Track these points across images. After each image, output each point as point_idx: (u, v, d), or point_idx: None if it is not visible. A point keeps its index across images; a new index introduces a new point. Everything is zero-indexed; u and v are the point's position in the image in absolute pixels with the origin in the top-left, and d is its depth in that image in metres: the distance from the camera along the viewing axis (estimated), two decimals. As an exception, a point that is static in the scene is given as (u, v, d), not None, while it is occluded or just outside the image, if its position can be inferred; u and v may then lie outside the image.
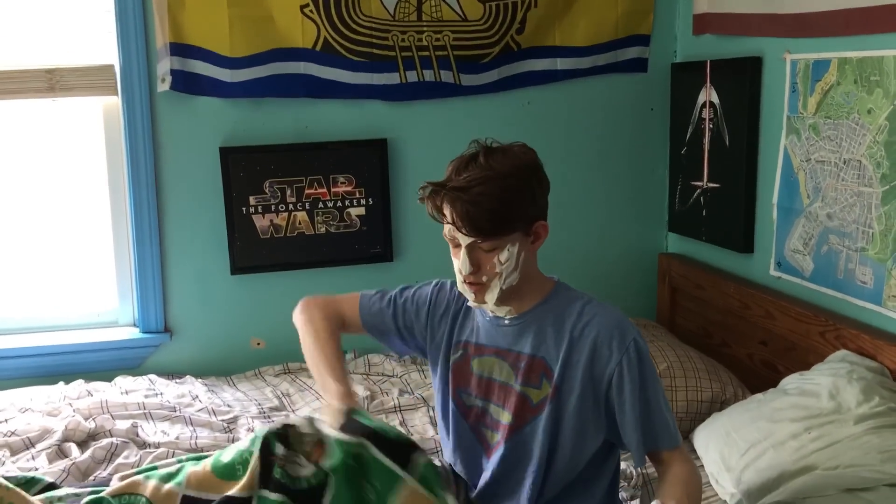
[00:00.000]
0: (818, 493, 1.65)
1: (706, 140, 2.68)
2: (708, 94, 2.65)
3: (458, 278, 1.56)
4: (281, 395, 2.52)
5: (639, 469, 1.90)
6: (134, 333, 2.70)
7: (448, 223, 1.52)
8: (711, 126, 2.65)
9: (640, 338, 1.54)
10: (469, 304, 1.60)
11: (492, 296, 1.53)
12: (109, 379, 2.54)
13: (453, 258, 1.56)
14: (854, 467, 1.67)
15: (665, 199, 2.99)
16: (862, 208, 2.09)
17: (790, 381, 2.05)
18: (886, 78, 2.00)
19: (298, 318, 1.78)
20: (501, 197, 1.46)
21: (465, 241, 1.50)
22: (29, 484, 1.62)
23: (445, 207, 1.51)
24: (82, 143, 2.67)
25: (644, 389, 1.51)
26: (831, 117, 2.18)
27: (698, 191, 2.74)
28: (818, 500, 1.64)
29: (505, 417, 1.59)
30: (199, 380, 2.60)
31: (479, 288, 1.54)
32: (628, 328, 1.54)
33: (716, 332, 2.65)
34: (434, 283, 1.75)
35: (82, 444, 2.10)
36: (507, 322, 1.60)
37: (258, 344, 2.80)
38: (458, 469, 1.73)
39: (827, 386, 1.92)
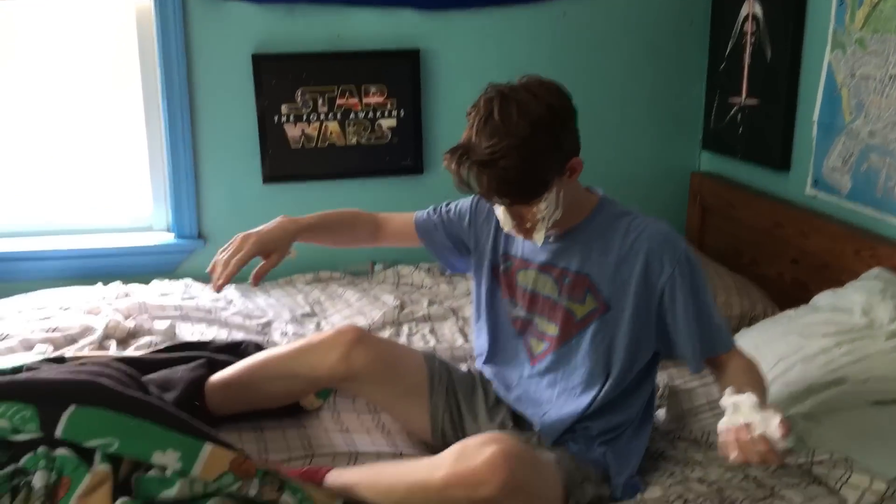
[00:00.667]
0: (846, 405, 1.67)
1: (747, 55, 2.61)
2: (751, 7, 2.58)
3: (503, 221, 1.58)
4: (312, 303, 2.56)
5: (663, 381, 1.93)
6: (168, 239, 2.74)
7: (478, 194, 1.50)
8: (753, 40, 2.58)
9: (690, 248, 1.55)
10: None
11: (539, 235, 1.55)
12: (146, 282, 2.59)
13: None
14: (885, 380, 1.68)
15: (700, 116, 2.94)
16: (906, 125, 2.05)
17: (822, 298, 2.05)
18: (941, -11, 1.93)
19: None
20: (527, 166, 1.43)
21: (500, 204, 1.52)
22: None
23: (471, 180, 1.47)
24: (116, 48, 2.66)
25: (696, 298, 1.52)
26: (879, 31, 2.11)
27: (736, 107, 2.69)
28: (846, 412, 1.66)
29: (551, 329, 1.63)
30: (233, 285, 2.64)
31: (525, 232, 1.56)
32: (678, 240, 1.55)
33: (746, 250, 2.64)
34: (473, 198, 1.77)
35: (122, 342, 2.15)
36: (551, 240, 1.61)
37: (289, 253, 2.82)
38: (490, 375, 1.76)
39: (860, 302, 1.92)
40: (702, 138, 2.95)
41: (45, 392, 1.49)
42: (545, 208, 1.50)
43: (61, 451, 1.42)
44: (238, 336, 2.25)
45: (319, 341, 1.72)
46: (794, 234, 2.38)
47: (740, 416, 1.30)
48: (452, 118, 2.83)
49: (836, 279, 2.17)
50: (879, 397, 1.64)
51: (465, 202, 1.79)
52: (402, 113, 2.76)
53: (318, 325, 2.39)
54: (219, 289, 1.67)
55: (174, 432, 1.44)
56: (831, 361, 1.78)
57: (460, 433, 1.70)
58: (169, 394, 1.70)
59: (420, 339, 2.29)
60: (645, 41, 2.88)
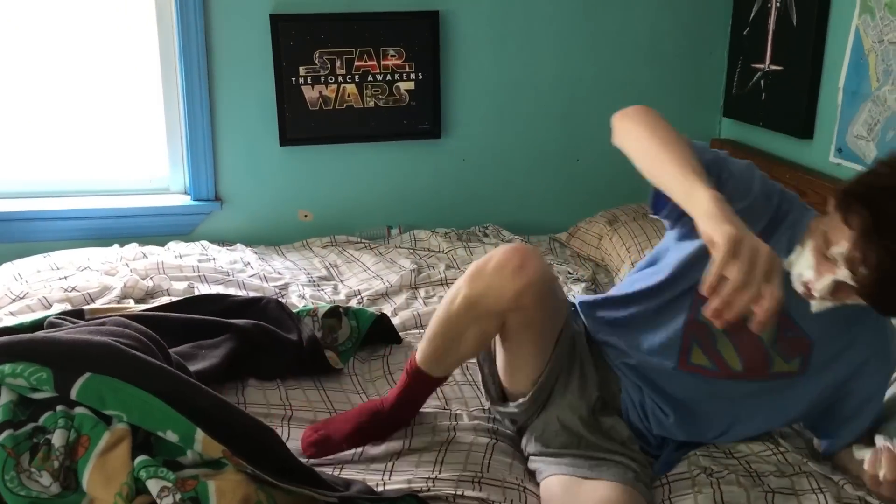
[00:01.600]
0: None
1: (771, 20, 2.57)
2: (777, -29, 2.53)
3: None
4: (329, 266, 2.56)
5: None
6: (185, 201, 2.74)
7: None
8: (779, 4, 2.53)
9: None
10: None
11: (819, 305, 1.36)
12: (162, 244, 2.59)
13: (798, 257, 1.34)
14: None
15: (722, 82, 2.90)
16: (935, 92, 2.01)
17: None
18: (977, -49, 1.88)
19: (632, 124, 1.50)
20: None
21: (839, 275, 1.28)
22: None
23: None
24: (133, 9, 2.64)
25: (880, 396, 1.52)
26: (911, -5, 2.07)
27: (759, 73, 2.65)
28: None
29: (732, 360, 1.49)
30: (250, 248, 2.64)
31: (808, 290, 1.35)
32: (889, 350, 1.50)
33: (766, 219, 2.62)
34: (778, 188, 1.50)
35: (140, 302, 2.16)
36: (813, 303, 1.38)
37: (305, 216, 2.83)
38: (608, 338, 1.62)
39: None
40: (723, 105, 2.91)
41: (60, 355, 1.48)
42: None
43: (80, 410, 1.43)
44: (255, 298, 2.26)
45: (496, 269, 1.45)
46: (815, 203, 2.34)
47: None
48: (471, 81, 2.81)
49: (858, 248, 2.14)
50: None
51: (748, 177, 1.46)
52: (420, 76, 2.74)
53: (334, 289, 2.39)
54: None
55: (176, 413, 1.43)
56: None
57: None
58: (196, 364, 1.71)
59: (437, 304, 2.29)
60: (668, 5, 2.84)
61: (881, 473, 1.32)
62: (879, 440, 1.39)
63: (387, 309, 2.22)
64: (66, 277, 2.26)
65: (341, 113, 2.72)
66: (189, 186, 2.74)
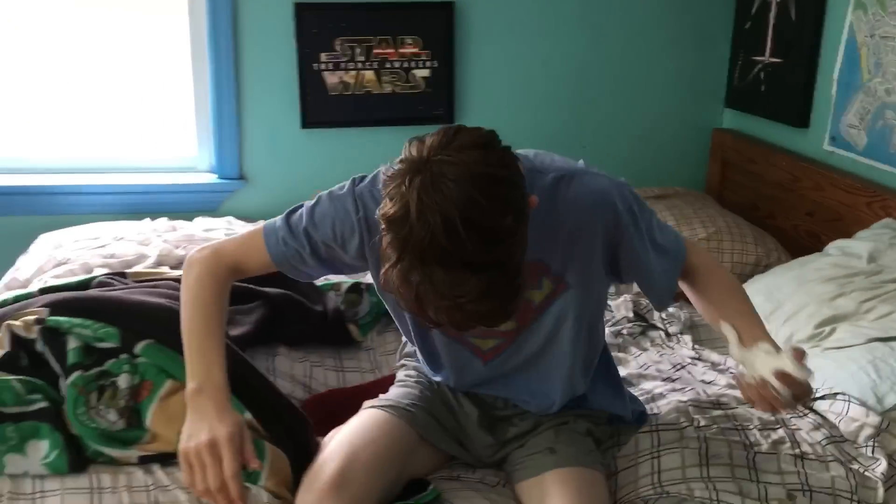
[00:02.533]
0: (847, 343, 1.80)
1: (772, 14, 2.70)
2: (778, -32, 2.67)
3: None
4: (348, 242, 2.70)
5: None
6: (212, 179, 2.88)
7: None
8: (778, 1, 2.67)
9: (619, 189, 1.42)
10: None
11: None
12: (189, 219, 2.73)
13: None
14: (884, 318, 1.81)
15: (724, 74, 3.03)
16: (921, 84, 2.15)
17: (832, 245, 2.18)
18: (962, -48, 2.02)
19: (185, 284, 1.50)
20: (517, 279, 1.16)
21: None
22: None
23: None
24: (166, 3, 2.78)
25: (645, 237, 1.44)
26: (901, -8, 2.21)
27: (759, 66, 2.79)
28: (847, 349, 1.79)
29: (505, 325, 1.39)
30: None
31: None
32: (614, 191, 1.41)
33: (763, 204, 2.76)
34: (350, 207, 1.43)
35: (174, 269, 2.31)
36: None
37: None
38: (437, 371, 1.63)
39: (868, 249, 2.04)
40: (725, 96, 3.04)
41: (126, 316, 1.63)
42: None
43: (142, 359, 1.58)
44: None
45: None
46: (809, 188, 2.50)
47: (759, 370, 1.35)
48: (485, 69, 2.95)
49: (848, 231, 2.28)
50: (879, 334, 1.77)
51: (339, 229, 1.44)
52: (435, 64, 2.87)
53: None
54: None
55: (241, 405, 1.56)
56: (835, 301, 1.91)
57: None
58: (232, 329, 1.86)
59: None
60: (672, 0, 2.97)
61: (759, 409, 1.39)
62: (734, 345, 1.41)
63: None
64: (103, 246, 2.40)
65: (360, 98, 2.86)
66: (215, 165, 2.88)
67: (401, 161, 1.18)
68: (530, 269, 1.32)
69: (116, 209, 2.79)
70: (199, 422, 1.35)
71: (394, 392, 1.63)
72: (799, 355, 1.33)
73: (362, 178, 1.49)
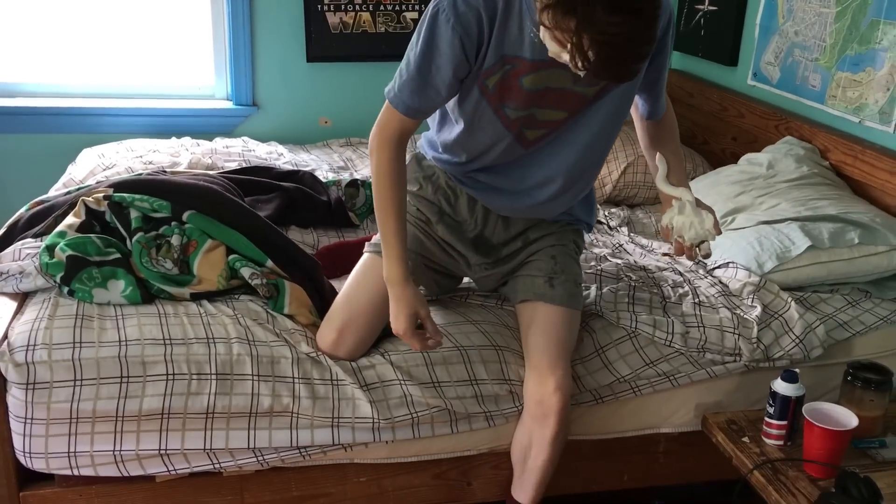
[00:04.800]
0: (741, 226, 2.29)
1: (710, -32, 3.16)
2: (716, -72, 3.11)
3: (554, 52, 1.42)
4: (346, 160, 3.16)
5: None
6: (228, 105, 3.33)
7: (568, 54, 1.35)
8: (716, -44, 3.12)
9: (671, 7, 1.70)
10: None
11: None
12: (210, 139, 3.19)
13: (548, 40, 1.39)
14: (772, 208, 2.30)
15: (673, 20, 3.48)
16: (820, 26, 2.61)
17: (742, 158, 2.67)
18: (852, -83, 2.47)
19: (372, 162, 1.75)
20: (655, 32, 1.35)
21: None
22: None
23: (582, 40, 1.31)
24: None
25: (670, 49, 1.75)
26: (808, -50, 2.66)
27: (700, 13, 3.24)
28: (741, 230, 2.28)
29: (557, 115, 1.67)
30: (281, 145, 3.25)
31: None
32: (668, 3, 1.69)
33: (699, 132, 3.24)
34: (442, 19, 1.54)
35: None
36: None
37: (325, 122, 3.43)
38: (457, 170, 1.86)
39: (768, 159, 2.53)
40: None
41: (175, 192, 2.10)
42: None
43: (189, 225, 2.05)
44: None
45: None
46: (734, 117, 2.98)
47: (684, 216, 1.71)
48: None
49: (760, 149, 2.76)
50: (767, 218, 2.26)
51: (444, 54, 1.57)
52: (423, 6, 3.31)
53: (350, 175, 2.99)
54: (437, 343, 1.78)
55: (253, 245, 2.04)
56: (737, 197, 2.40)
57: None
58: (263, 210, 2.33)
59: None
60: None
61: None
62: (664, 184, 1.78)
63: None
64: (141, 156, 2.85)
65: (357, 36, 3.31)
66: (231, 93, 3.33)
67: None
68: None
69: (145, 130, 3.23)
70: (391, 307, 1.75)
71: None
72: (718, 230, 1.72)
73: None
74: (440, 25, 1.55)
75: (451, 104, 1.71)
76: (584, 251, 2.14)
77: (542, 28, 1.39)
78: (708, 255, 1.75)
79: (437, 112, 1.79)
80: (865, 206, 2.26)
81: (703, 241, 1.72)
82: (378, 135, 1.72)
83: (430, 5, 1.57)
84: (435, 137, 1.86)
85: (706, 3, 3.20)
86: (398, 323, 1.73)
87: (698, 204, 1.76)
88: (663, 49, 1.72)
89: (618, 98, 1.69)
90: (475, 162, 1.81)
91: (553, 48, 1.39)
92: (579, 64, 1.34)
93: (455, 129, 1.75)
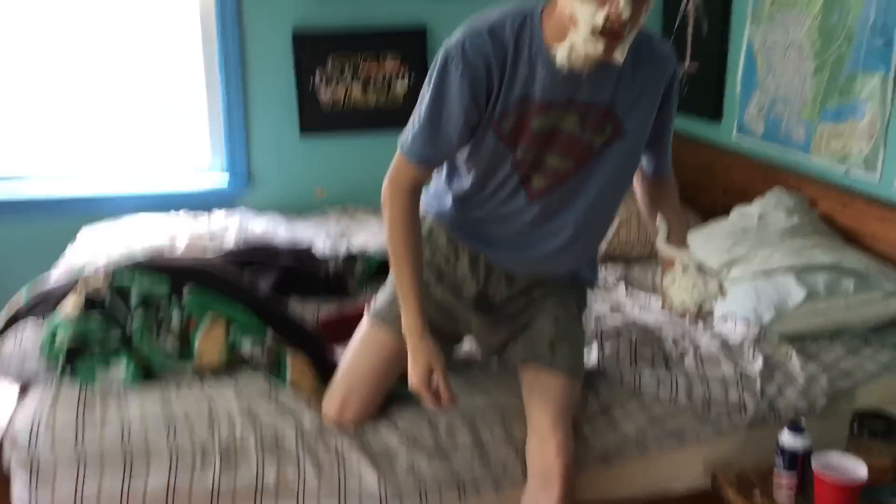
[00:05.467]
0: (738, 277, 2.31)
1: (689, 30, 3.25)
2: (693, -10, 3.22)
3: (586, 27, 1.42)
4: (343, 228, 3.19)
5: None
6: (224, 180, 3.38)
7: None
8: (694, 17, 3.21)
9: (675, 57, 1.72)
10: (564, 58, 1.47)
11: (623, 51, 1.46)
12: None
13: (580, 1, 1.41)
14: (768, 259, 2.32)
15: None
16: (800, 80, 2.68)
17: (734, 211, 2.70)
18: (823, -25, 2.56)
19: (385, 213, 1.71)
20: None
21: None
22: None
23: None
24: (183, 30, 3.29)
25: (676, 103, 1.77)
26: (783, 8, 2.75)
27: (682, 71, 3.32)
28: (738, 283, 2.30)
29: (565, 165, 1.65)
30: (278, 216, 3.28)
31: (616, 41, 1.44)
32: (672, 55, 1.69)
33: (688, 187, 3.27)
34: (452, 66, 1.54)
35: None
36: (584, 75, 1.53)
37: (321, 192, 3.47)
38: (460, 228, 1.82)
39: (758, 210, 2.57)
40: (658, 99, 3.58)
41: (176, 270, 2.13)
42: (649, 9, 1.46)
43: (189, 301, 2.06)
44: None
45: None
46: (722, 170, 3.03)
47: (687, 278, 1.72)
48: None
49: (751, 201, 2.80)
50: (761, 268, 2.28)
51: (453, 93, 1.56)
52: (412, 78, 3.39)
53: (348, 242, 3.01)
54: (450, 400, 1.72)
55: (255, 317, 2.05)
56: (731, 249, 2.42)
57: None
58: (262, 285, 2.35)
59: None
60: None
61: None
62: (666, 246, 1.78)
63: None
64: (139, 236, 2.88)
65: (349, 108, 3.38)
66: (227, 167, 3.38)
67: None
68: (601, 113, 1.58)
69: (145, 208, 3.27)
70: (409, 359, 1.70)
71: (386, 300, 1.87)
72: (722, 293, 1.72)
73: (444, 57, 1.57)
74: (450, 73, 1.55)
75: (462, 154, 1.69)
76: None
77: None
78: (710, 313, 1.75)
79: (446, 164, 1.77)
80: (858, 254, 2.29)
81: (705, 302, 1.73)
82: (390, 185, 1.69)
83: (440, 53, 1.58)
84: (441, 190, 1.82)
85: (687, 60, 3.28)
86: (413, 376, 1.69)
87: (699, 266, 1.76)
88: (669, 100, 1.72)
89: (625, 150, 1.68)
90: (483, 210, 1.76)
91: (590, 8, 1.40)
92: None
93: (465, 179, 1.73)
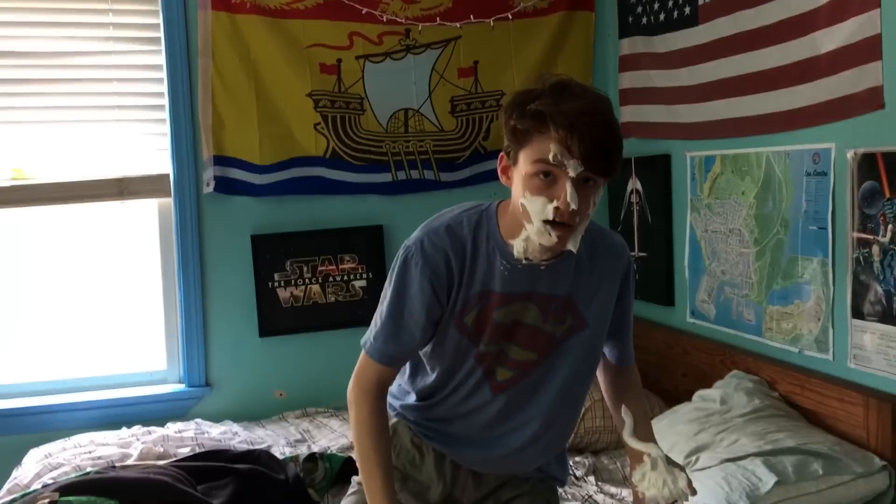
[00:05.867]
0: (706, 465, 2.27)
1: (635, 219, 3.40)
2: (634, 184, 3.39)
3: (537, 220, 1.48)
4: (303, 432, 3.11)
5: None
6: (181, 388, 3.31)
7: (557, 151, 1.42)
8: (638, 208, 3.37)
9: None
10: (520, 252, 1.54)
11: (575, 241, 1.50)
12: (161, 425, 3.12)
13: (530, 197, 1.47)
14: (733, 445, 2.30)
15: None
16: (744, 265, 2.78)
17: (696, 395, 2.71)
18: (752, 168, 2.73)
19: (352, 415, 1.69)
20: (618, 130, 1.48)
21: (575, 171, 1.43)
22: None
23: (558, 132, 1.41)
24: (141, 235, 3.35)
25: (632, 294, 1.78)
26: (719, 198, 2.90)
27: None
28: (706, 470, 2.26)
29: (528, 356, 1.65)
30: (236, 423, 3.19)
31: (567, 231, 1.49)
32: (626, 248, 1.75)
33: (649, 371, 3.29)
34: (412, 263, 1.58)
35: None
36: (543, 267, 1.58)
37: (280, 394, 3.41)
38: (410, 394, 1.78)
39: (720, 395, 2.58)
40: (612, 285, 3.67)
41: (125, 489, 2.04)
42: (597, 202, 1.51)
43: None
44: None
45: None
46: (680, 354, 3.06)
47: (656, 473, 1.66)
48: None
49: (710, 384, 2.82)
50: (730, 455, 2.25)
51: (415, 297, 1.59)
52: (370, 275, 3.45)
53: (308, 448, 2.93)
54: None
55: None
56: (696, 436, 2.40)
57: None
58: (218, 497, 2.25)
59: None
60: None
61: None
62: (633, 441, 1.72)
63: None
64: (90, 451, 2.77)
65: (308, 308, 3.39)
66: (183, 375, 3.32)
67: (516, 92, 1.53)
68: (562, 304, 1.62)
69: (96, 422, 3.16)
70: None
71: (359, 499, 1.78)
72: (691, 489, 1.65)
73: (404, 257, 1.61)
74: (410, 269, 1.58)
75: (426, 351, 1.68)
76: None
77: (523, 153, 1.49)
78: None
79: (409, 363, 1.75)
80: (822, 436, 2.28)
81: (675, 501, 1.69)
82: (356, 387, 1.67)
83: (400, 251, 1.62)
84: (406, 386, 1.80)
85: (636, 250, 3.40)
86: None
87: (668, 461, 1.73)
88: (627, 289, 1.74)
89: (586, 340, 1.68)
90: (446, 406, 1.73)
91: (541, 153, 1.46)
92: (572, 151, 1.42)
93: (429, 377, 1.72)
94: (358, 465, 1.67)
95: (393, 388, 1.84)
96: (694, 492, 1.68)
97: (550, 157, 1.43)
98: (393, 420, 1.82)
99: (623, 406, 1.79)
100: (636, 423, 1.78)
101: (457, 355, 1.66)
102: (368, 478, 1.64)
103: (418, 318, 1.60)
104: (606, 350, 1.85)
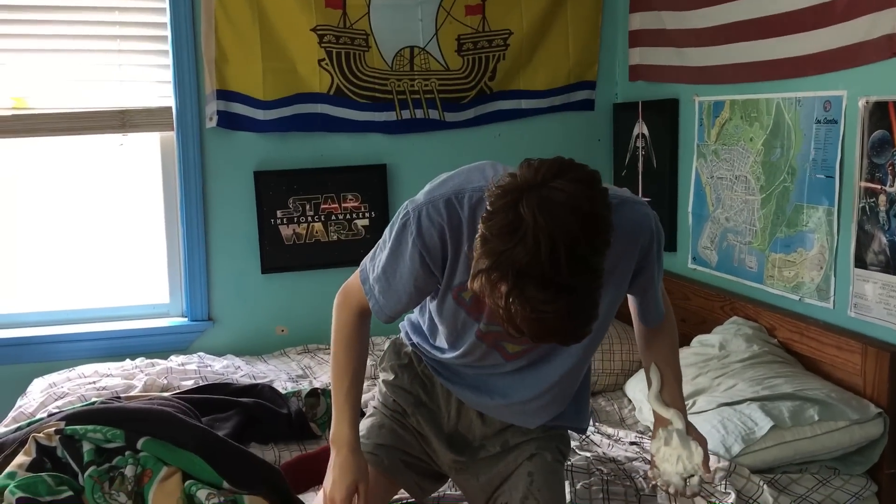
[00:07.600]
0: (703, 409, 2.31)
1: (640, 164, 3.38)
2: (640, 128, 3.36)
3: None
4: (304, 368, 3.15)
5: None
6: (184, 321, 3.33)
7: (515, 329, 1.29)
8: (643, 153, 3.35)
9: (655, 219, 1.62)
10: None
11: None
12: (165, 357, 3.16)
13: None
14: (730, 389, 2.33)
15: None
16: (748, 212, 2.78)
17: (694, 340, 2.73)
18: (762, 115, 2.71)
19: (334, 320, 1.73)
20: (596, 308, 1.29)
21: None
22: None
23: (509, 326, 1.29)
24: (143, 168, 3.33)
25: (659, 261, 1.67)
26: (727, 144, 2.88)
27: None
28: (703, 414, 2.29)
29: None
30: (238, 357, 3.23)
31: None
32: (647, 220, 1.59)
33: (650, 315, 3.32)
34: (408, 233, 1.52)
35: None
36: None
37: (282, 331, 3.44)
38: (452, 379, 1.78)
39: (719, 340, 2.60)
40: (614, 230, 3.67)
41: (129, 419, 2.07)
42: None
43: (143, 453, 1.99)
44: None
45: None
46: (680, 299, 3.07)
47: (671, 448, 1.65)
48: (413, 218, 3.52)
49: (709, 329, 2.84)
50: (727, 399, 2.29)
51: (405, 265, 1.55)
52: (373, 214, 3.45)
53: (310, 384, 2.97)
54: None
55: (210, 467, 1.99)
56: (696, 380, 2.43)
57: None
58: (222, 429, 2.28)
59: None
60: (563, 153, 3.62)
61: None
62: (656, 402, 1.72)
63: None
64: (94, 382, 2.80)
65: (310, 246, 3.40)
66: (186, 309, 3.34)
67: (511, 176, 1.29)
68: None
69: (100, 353, 3.19)
70: (330, 473, 1.67)
71: (364, 427, 1.81)
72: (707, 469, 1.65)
73: (414, 211, 1.53)
74: (405, 239, 1.53)
75: (432, 309, 1.66)
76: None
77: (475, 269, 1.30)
78: (696, 494, 1.70)
79: (426, 314, 1.73)
80: (819, 382, 2.31)
81: (690, 476, 1.67)
82: (344, 298, 1.71)
83: (401, 209, 1.56)
84: (421, 326, 1.78)
85: (640, 195, 3.39)
86: (337, 490, 1.63)
87: (689, 431, 1.70)
88: (648, 265, 1.63)
89: (603, 311, 1.51)
90: (459, 363, 1.72)
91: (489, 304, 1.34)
92: (512, 331, 1.29)
93: (439, 335, 1.71)
94: (331, 368, 1.70)
95: (412, 318, 1.84)
96: (708, 470, 1.67)
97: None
98: (407, 348, 1.84)
99: (653, 365, 1.77)
100: (663, 384, 1.75)
101: (459, 328, 1.64)
102: (337, 381, 1.68)
103: (406, 284, 1.57)
104: (633, 309, 1.83)
